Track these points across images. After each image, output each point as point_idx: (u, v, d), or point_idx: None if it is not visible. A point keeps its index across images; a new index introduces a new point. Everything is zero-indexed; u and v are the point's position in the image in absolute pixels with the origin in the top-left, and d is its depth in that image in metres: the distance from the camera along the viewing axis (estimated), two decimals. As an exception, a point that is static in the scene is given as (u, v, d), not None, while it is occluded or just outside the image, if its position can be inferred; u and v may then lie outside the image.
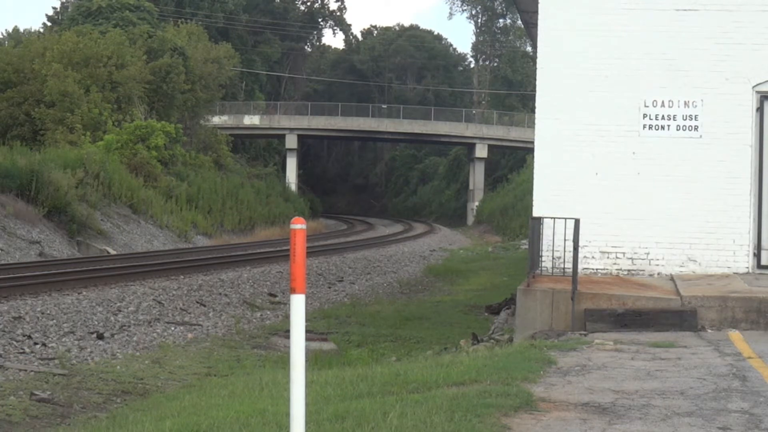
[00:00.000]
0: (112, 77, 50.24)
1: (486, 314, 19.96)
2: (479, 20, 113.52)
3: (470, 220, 78.01)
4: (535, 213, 15.36)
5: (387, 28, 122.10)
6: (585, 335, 12.02)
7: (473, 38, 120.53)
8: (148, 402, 11.10)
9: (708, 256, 15.27)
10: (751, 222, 15.30)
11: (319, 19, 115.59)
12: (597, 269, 15.45)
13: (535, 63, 17.70)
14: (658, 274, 15.30)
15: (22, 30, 78.67)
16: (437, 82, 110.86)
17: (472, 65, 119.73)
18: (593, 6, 15.66)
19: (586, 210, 15.11)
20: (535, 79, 16.14)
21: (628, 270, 15.39)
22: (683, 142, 15.41)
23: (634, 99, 15.49)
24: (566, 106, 15.61)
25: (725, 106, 15.33)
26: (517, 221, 56.60)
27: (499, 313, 18.40)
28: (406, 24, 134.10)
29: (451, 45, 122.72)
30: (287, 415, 6.02)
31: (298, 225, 5.79)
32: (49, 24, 75.57)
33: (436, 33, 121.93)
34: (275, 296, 23.28)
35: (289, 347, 6.05)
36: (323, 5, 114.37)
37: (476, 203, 77.17)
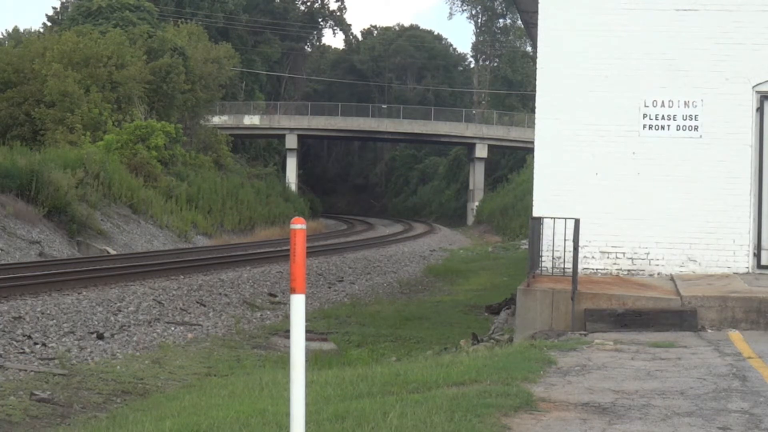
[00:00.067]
0: (112, 77, 50.25)
1: (486, 314, 19.96)
2: (479, 20, 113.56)
3: (470, 220, 78.01)
4: (535, 213, 15.36)
5: (387, 28, 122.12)
6: (585, 335, 12.02)
7: (473, 38, 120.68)
8: (148, 402, 11.10)
9: (708, 256, 15.27)
10: (751, 222, 15.30)
11: (319, 19, 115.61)
12: (597, 269, 15.45)
13: (535, 63, 17.70)
14: (658, 274, 15.30)
15: (22, 30, 78.75)
16: (437, 82, 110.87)
17: (472, 65, 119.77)
18: (593, 6, 15.66)
19: (586, 210, 15.11)
20: (535, 79, 16.14)
21: (628, 270, 15.39)
22: (683, 142, 15.41)
23: (634, 99, 15.49)
24: (566, 106, 15.61)
25: (725, 106, 15.33)
26: (517, 221, 56.60)
27: (499, 313, 18.41)
28: (406, 24, 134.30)
29: (451, 45, 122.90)
30: (287, 415, 6.02)
31: (298, 225, 5.79)
32: (49, 24, 75.58)
33: (436, 33, 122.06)
34: (275, 296, 23.28)
35: (289, 347, 6.05)
36: (323, 5, 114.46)
37: (476, 203, 77.17)
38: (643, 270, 15.37)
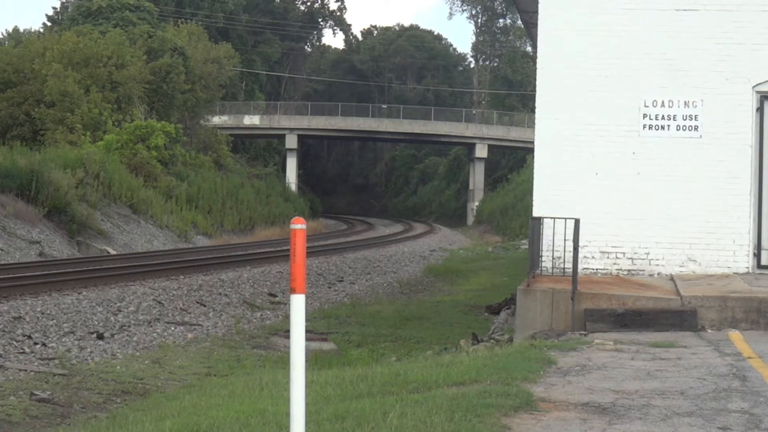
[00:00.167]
0: (112, 77, 50.25)
1: (486, 314, 19.96)
2: (479, 20, 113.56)
3: (470, 220, 78.01)
4: (535, 213, 15.36)
5: (387, 28, 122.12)
6: (585, 335, 12.03)
7: (473, 38, 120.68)
8: (148, 402, 11.10)
9: (708, 256, 15.27)
10: (751, 222, 15.30)
11: (319, 19, 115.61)
12: (597, 269, 15.45)
13: (535, 63, 17.70)
14: (658, 274, 15.30)
15: (22, 30, 78.73)
16: (437, 82, 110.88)
17: (472, 65, 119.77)
18: (593, 6, 15.66)
19: (586, 210, 15.11)
20: (535, 79, 16.14)
21: (628, 270, 15.39)
22: (683, 142, 15.41)
23: (634, 99, 15.49)
24: (566, 106, 15.61)
25: (725, 106, 15.33)
26: (517, 221, 56.59)
27: (499, 313, 18.40)
28: (406, 24, 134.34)
29: (451, 45, 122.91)
30: (287, 415, 6.02)
31: (298, 225, 5.79)
32: (49, 24, 75.58)
33: (436, 33, 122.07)
34: (275, 296, 23.28)
35: (289, 347, 6.05)
36: (323, 5, 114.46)
37: (476, 203, 77.17)
38: (643, 270, 15.37)
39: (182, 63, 56.09)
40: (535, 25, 16.62)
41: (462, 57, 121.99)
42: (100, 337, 15.77)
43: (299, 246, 5.73)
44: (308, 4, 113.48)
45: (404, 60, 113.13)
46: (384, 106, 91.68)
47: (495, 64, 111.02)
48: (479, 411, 7.49)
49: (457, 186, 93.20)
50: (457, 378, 9.16)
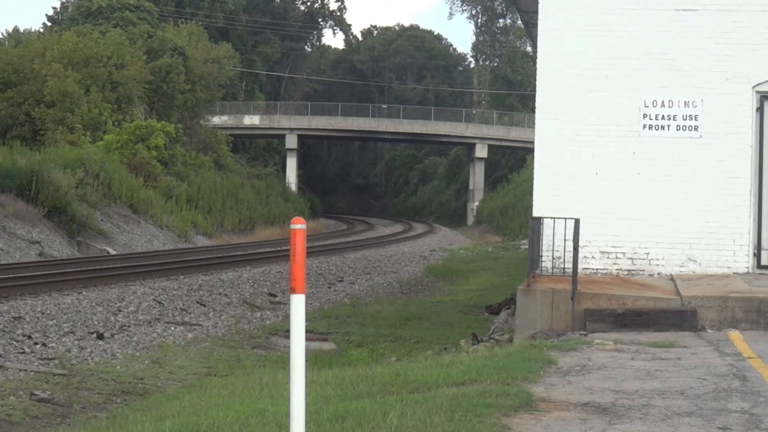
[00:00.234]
0: (112, 77, 50.25)
1: (486, 314, 19.96)
2: (479, 20, 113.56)
3: (470, 220, 78.01)
4: (535, 213, 15.36)
5: (387, 28, 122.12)
6: (585, 335, 12.03)
7: (473, 38, 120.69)
8: (148, 402, 11.10)
9: (708, 256, 15.27)
10: (751, 222, 15.30)
11: (319, 19, 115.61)
12: (597, 269, 15.45)
13: (535, 63, 17.70)
14: (658, 274, 15.30)
15: (22, 30, 78.72)
16: (437, 82, 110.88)
17: (472, 65, 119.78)
18: (593, 6, 15.66)
19: (586, 210, 15.11)
20: (535, 79, 16.14)
21: (628, 270, 15.39)
22: (683, 142, 15.41)
23: (634, 99, 15.49)
24: (566, 106, 15.61)
25: (725, 106, 15.33)
26: (517, 221, 56.59)
27: (499, 313, 18.40)
28: (406, 24, 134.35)
29: (451, 45, 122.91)
30: (287, 415, 6.02)
31: (298, 225, 5.79)
32: (49, 24, 75.57)
33: (436, 33, 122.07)
34: (275, 296, 23.28)
35: (289, 347, 6.05)
36: (323, 5, 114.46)
37: (476, 203, 77.17)
38: (643, 270, 15.37)
39: (182, 63, 56.09)
40: (535, 25, 16.62)
41: (462, 57, 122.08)
42: (100, 337, 15.77)
43: (299, 246, 5.73)
44: (308, 4, 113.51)
45: (404, 60, 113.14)
46: (384, 106, 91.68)
47: (495, 64, 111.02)
48: (479, 411, 7.49)
49: (457, 186, 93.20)
50: (457, 378, 9.16)
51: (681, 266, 15.28)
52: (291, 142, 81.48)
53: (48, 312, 17.18)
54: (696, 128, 15.39)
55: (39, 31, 71.18)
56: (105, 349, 14.98)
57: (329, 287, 26.31)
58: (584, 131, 15.57)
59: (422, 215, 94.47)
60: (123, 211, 40.53)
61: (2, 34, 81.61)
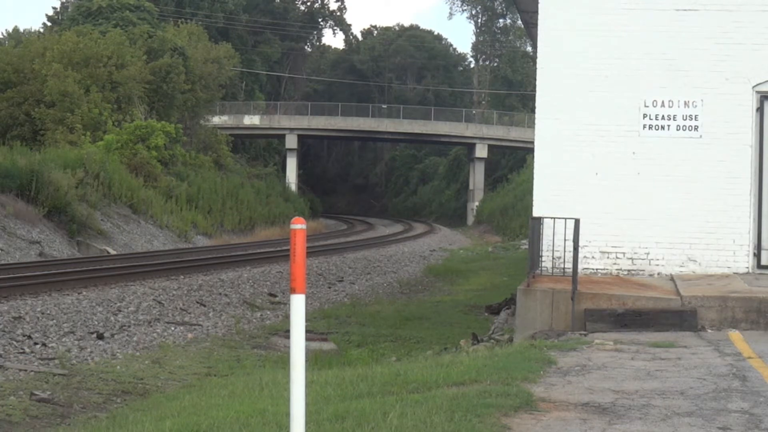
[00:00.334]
0: (112, 77, 50.25)
1: (486, 314, 19.96)
2: (479, 20, 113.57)
3: (470, 220, 78.01)
4: (535, 213, 15.36)
5: (387, 28, 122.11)
6: (585, 335, 12.02)
7: (473, 38, 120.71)
8: (148, 402, 11.10)
9: (708, 256, 15.27)
10: (751, 222, 15.30)
11: (319, 19, 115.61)
12: (597, 269, 15.45)
13: (535, 63, 17.70)
14: (658, 274, 15.30)
15: (22, 30, 78.78)
16: (437, 82, 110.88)
17: (472, 65, 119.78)
18: (593, 6, 15.66)
19: (586, 210, 15.11)
20: (535, 79, 16.14)
21: (628, 270, 15.39)
22: (683, 142, 15.41)
23: (634, 99, 15.49)
24: (566, 106, 15.61)
25: (725, 106, 15.33)
26: (517, 221, 56.59)
27: (499, 313, 18.40)
28: (406, 24, 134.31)
29: (451, 45, 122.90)
30: (287, 415, 6.02)
31: (298, 225, 5.79)
32: (49, 24, 75.57)
33: (436, 33, 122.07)
34: (275, 296, 23.28)
35: (289, 347, 6.05)
36: (323, 5, 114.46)
37: (476, 203, 77.17)
38: (643, 270, 15.37)
39: (182, 63, 56.09)
40: (535, 25, 16.62)
41: (462, 57, 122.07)
42: (100, 337, 15.77)
43: (299, 246, 5.73)
44: (308, 4, 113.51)
45: (404, 60, 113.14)
46: (384, 106, 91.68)
47: (495, 64, 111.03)
48: (479, 411, 7.50)
49: (457, 186, 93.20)
50: (457, 378, 9.16)
51: (681, 266, 15.28)
52: (291, 142, 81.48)
53: (48, 312, 17.18)
54: (696, 128, 15.39)
55: (39, 31, 71.20)
56: (105, 349, 14.97)
57: (329, 287, 26.31)
58: (584, 131, 15.57)
59: (422, 215, 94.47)
60: (123, 211, 40.53)
61: (2, 34, 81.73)
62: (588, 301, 12.87)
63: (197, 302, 20.74)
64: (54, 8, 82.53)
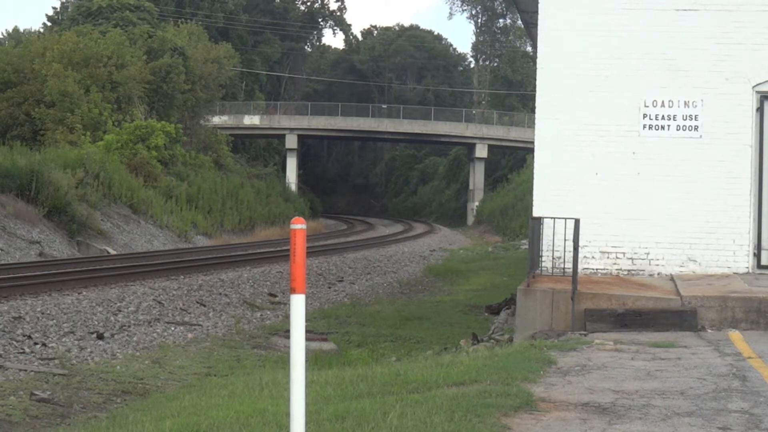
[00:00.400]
0: (112, 77, 50.25)
1: (486, 314, 19.96)
2: (479, 20, 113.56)
3: (470, 220, 78.02)
4: (535, 213, 15.36)
5: (387, 28, 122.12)
6: (585, 335, 12.02)
7: (473, 38, 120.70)
8: (148, 402, 11.10)
9: (708, 256, 15.27)
10: (751, 222, 15.30)
11: (319, 19, 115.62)
12: (597, 269, 15.45)
13: (535, 63, 17.70)
14: (658, 274, 15.30)
15: (22, 30, 78.80)
16: (437, 82, 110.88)
17: (472, 65, 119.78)
18: (593, 6, 15.66)
19: (586, 210, 15.10)
20: (535, 79, 16.14)
21: (628, 270, 15.39)
22: (683, 142, 15.41)
23: (634, 99, 15.49)
24: (566, 106, 15.61)
25: (725, 106, 15.33)
26: (517, 221, 56.59)
27: (499, 313, 18.40)
28: (406, 24, 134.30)
29: (451, 45, 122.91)
30: (287, 415, 6.02)
31: (298, 225, 5.79)
32: (49, 24, 75.57)
33: (436, 33, 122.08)
34: (275, 296, 23.28)
35: (289, 347, 6.05)
36: (323, 5, 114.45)
37: (476, 203, 77.17)
38: (643, 270, 15.37)
39: (182, 63, 56.09)
40: (535, 25, 16.62)
41: (462, 57, 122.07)
42: (100, 337, 15.77)
43: (299, 246, 5.73)
44: (308, 4, 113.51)
45: (404, 60, 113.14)
46: (384, 106, 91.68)
47: (495, 64, 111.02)
48: (479, 411, 7.49)
49: (457, 186, 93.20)
50: (457, 378, 9.16)
51: (681, 266, 15.28)
52: (291, 142, 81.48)
53: (48, 312, 17.18)
54: (696, 128, 15.39)
55: (39, 31, 71.20)
56: (105, 349, 14.97)
57: (329, 287, 26.31)
58: (584, 131, 15.57)
59: (422, 215, 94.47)
60: (123, 211, 40.53)
61: (2, 34, 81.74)
62: (588, 301, 12.87)
63: (197, 302, 20.74)
64: (54, 8, 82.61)
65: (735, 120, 15.32)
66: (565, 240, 14.29)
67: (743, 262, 15.24)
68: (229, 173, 60.48)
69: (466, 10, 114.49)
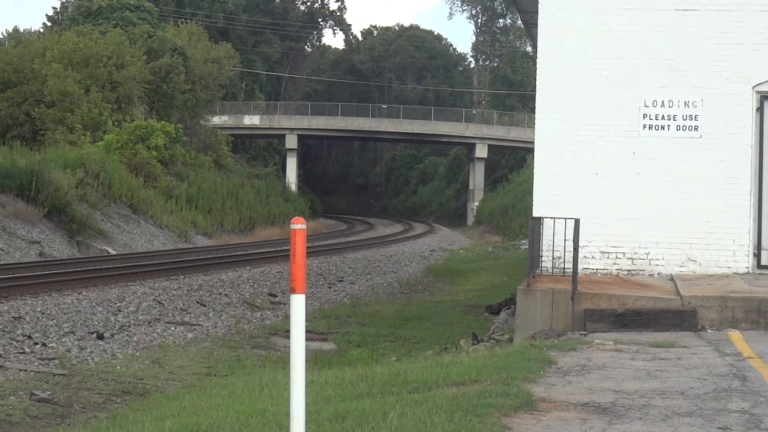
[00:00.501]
0: (112, 77, 50.25)
1: (486, 314, 19.96)
2: (479, 20, 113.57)
3: (470, 220, 78.02)
4: (535, 213, 15.36)
5: (387, 28, 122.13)
6: (585, 335, 12.02)
7: (473, 38, 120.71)
8: (148, 402, 11.10)
9: (708, 256, 15.27)
10: (751, 222, 15.30)
11: (319, 19, 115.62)
12: (597, 269, 15.45)
13: (535, 63, 17.70)
14: (658, 274, 15.30)
15: (22, 30, 78.78)
16: (437, 82, 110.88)
17: (472, 65, 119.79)
18: (593, 6, 15.66)
19: (586, 210, 15.10)
20: (535, 79, 16.14)
21: (628, 270, 15.39)
22: (683, 142, 15.41)
23: (634, 99, 15.49)
24: (566, 106, 15.61)
25: (725, 106, 15.33)
26: (517, 221, 56.60)
27: (499, 313, 18.40)
28: (406, 24, 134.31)
29: (451, 45, 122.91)
30: (287, 415, 6.02)
31: (298, 225, 5.79)
32: (49, 24, 75.57)
33: (436, 33, 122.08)
34: (275, 296, 23.28)
35: (289, 347, 6.05)
36: (323, 5, 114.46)
37: (476, 203, 77.17)
38: (643, 270, 15.37)
39: (182, 63, 56.10)
40: (535, 25, 16.62)
41: (462, 57, 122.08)
42: (100, 337, 15.77)
43: (299, 246, 5.73)
44: (308, 4, 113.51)
45: (404, 60, 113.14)
46: (384, 106, 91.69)
47: (495, 64, 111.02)
48: (479, 411, 7.50)
49: (457, 186, 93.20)
50: (457, 378, 9.16)
51: (681, 266, 15.28)
52: (291, 142, 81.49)
53: (48, 312, 17.18)
54: (696, 128, 15.39)
55: (39, 31, 71.20)
56: (105, 349, 14.97)
57: (329, 287, 26.31)
58: (584, 131, 15.57)
59: (422, 215, 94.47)
60: (123, 211, 40.53)
61: (2, 34, 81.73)
62: (588, 301, 12.87)
63: (197, 302, 20.74)
64: (54, 8, 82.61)
65: (735, 120, 15.32)
66: (565, 240, 14.29)
67: (743, 262, 15.24)
68: (229, 173, 60.49)
69: (466, 10, 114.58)
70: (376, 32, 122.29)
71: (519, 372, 9.23)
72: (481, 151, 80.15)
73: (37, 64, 49.16)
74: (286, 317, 19.10)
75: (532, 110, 17.51)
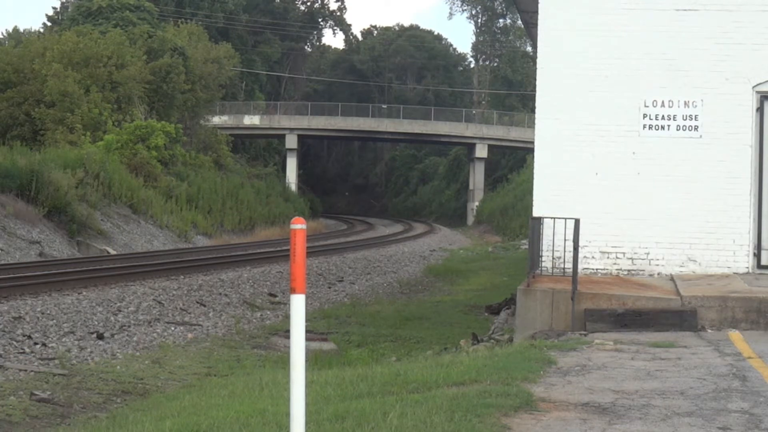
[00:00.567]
0: (112, 77, 50.25)
1: (486, 314, 19.96)
2: (479, 20, 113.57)
3: (470, 220, 78.02)
4: (535, 213, 15.36)
5: (387, 28, 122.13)
6: (585, 335, 12.03)
7: (473, 38, 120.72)
8: (148, 402, 11.10)
9: (708, 256, 15.27)
10: (751, 222, 15.30)
11: (319, 19, 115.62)
12: (597, 269, 15.45)
13: (535, 63, 17.69)
14: (658, 274, 15.30)
15: (22, 30, 78.77)
16: (437, 82, 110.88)
17: (472, 65, 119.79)
18: (593, 6, 15.66)
19: (586, 210, 15.10)
20: (535, 79, 16.14)
21: (628, 270, 15.39)
22: (683, 142, 15.41)
23: (634, 99, 15.49)
24: (566, 106, 15.61)
25: (725, 106, 15.33)
26: (517, 221, 56.60)
27: (499, 313, 18.41)
28: (406, 24, 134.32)
29: (451, 45, 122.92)
30: (287, 415, 6.02)
31: (298, 225, 5.79)
32: (49, 24, 75.57)
33: (436, 33, 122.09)
34: (275, 296, 23.28)
35: (289, 347, 6.05)
36: (323, 5, 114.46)
37: (476, 203, 77.18)
38: (643, 270, 15.37)
39: (182, 63, 56.09)
40: (535, 25, 16.62)
41: (462, 57, 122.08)
42: (100, 337, 15.77)
43: (299, 246, 5.73)
44: (308, 4, 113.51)
45: (404, 60, 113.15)
46: (384, 106, 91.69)
47: (495, 64, 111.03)
48: (479, 411, 7.50)
49: (457, 186, 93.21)
50: (457, 378, 9.16)
51: (681, 266, 15.28)
52: (291, 142, 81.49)
53: (48, 312, 17.18)
54: (696, 128, 15.39)
55: (39, 31, 71.20)
56: (105, 349, 14.97)
57: (329, 287, 26.31)
58: (584, 131, 15.57)
59: (422, 215, 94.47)
60: (123, 211, 40.53)
61: (2, 34, 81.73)
62: (588, 301, 12.87)
63: (197, 302, 20.74)
64: (54, 8, 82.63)
65: (735, 120, 15.32)
66: (565, 240, 14.29)
67: (743, 262, 15.24)
68: (229, 173, 60.49)
69: (466, 10, 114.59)
70: (376, 32, 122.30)
71: (519, 372, 9.23)
72: (481, 151, 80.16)
73: (37, 64, 49.16)
74: (286, 317, 19.10)
75: (532, 110, 17.51)
